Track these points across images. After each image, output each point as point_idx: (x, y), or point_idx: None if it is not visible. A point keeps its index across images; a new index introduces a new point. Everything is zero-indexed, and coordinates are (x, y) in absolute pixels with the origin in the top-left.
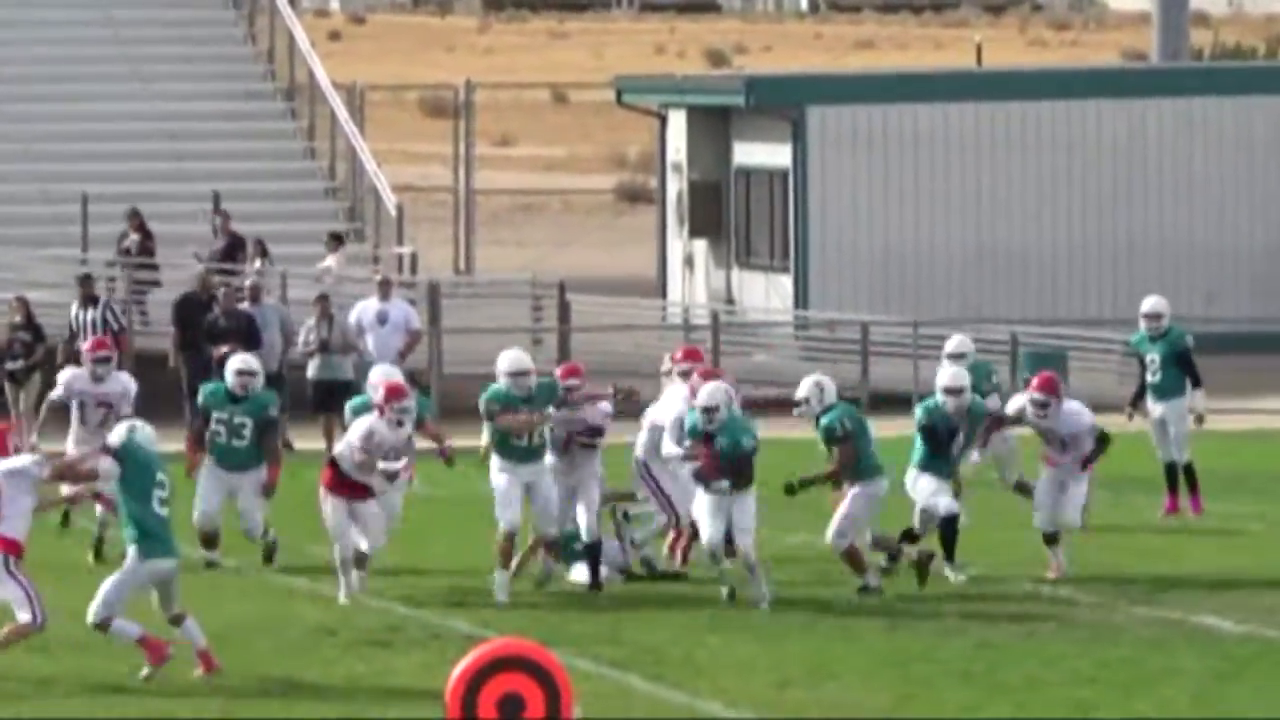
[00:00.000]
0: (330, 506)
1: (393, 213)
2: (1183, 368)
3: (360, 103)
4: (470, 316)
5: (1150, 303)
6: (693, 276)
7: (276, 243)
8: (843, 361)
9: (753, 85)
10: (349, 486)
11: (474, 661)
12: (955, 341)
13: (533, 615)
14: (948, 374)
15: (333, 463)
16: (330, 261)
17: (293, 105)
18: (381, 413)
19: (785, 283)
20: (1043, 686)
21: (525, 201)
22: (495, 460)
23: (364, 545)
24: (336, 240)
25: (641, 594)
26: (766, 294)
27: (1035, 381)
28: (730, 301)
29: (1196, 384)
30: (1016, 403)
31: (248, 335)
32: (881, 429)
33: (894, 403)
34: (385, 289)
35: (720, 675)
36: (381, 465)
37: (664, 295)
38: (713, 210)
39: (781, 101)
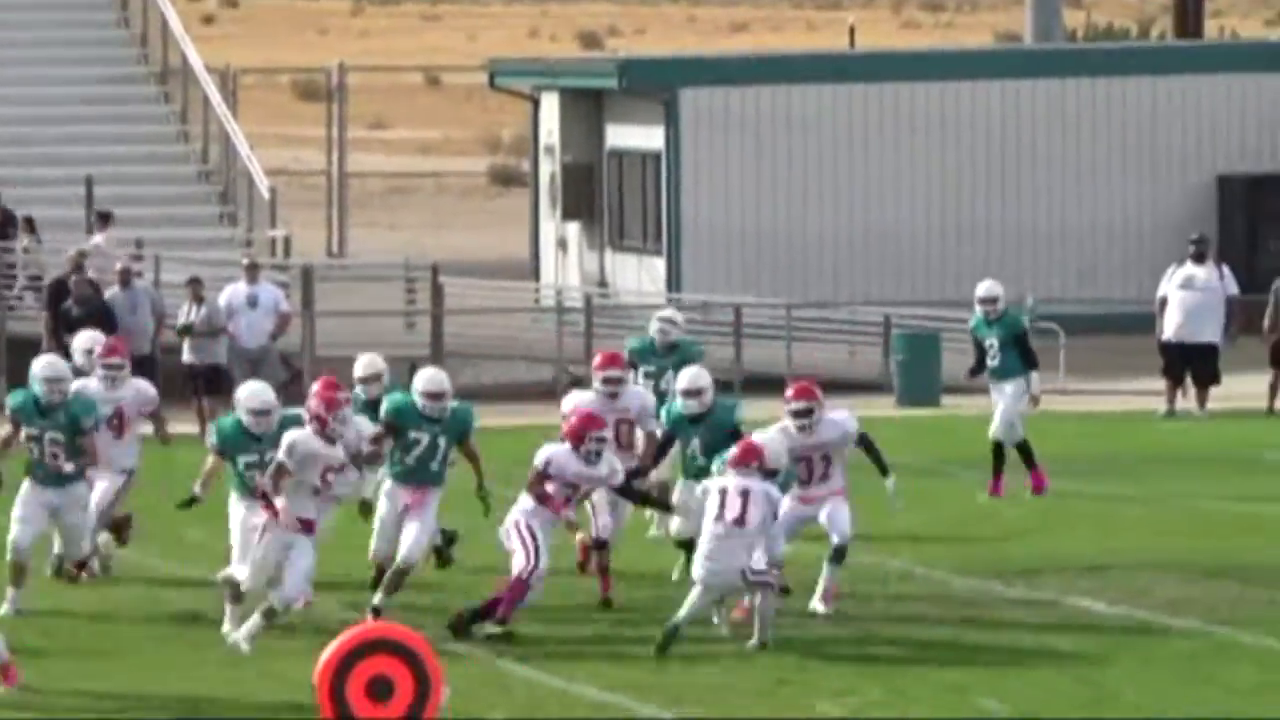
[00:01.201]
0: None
1: (266, 196)
2: (1019, 350)
3: (233, 86)
4: (343, 300)
5: (985, 287)
6: (565, 259)
7: (149, 226)
8: (716, 344)
9: (625, 68)
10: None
11: (342, 645)
12: None
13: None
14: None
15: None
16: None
17: (166, 89)
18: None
19: (658, 265)
20: (917, 668)
21: (398, 184)
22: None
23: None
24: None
25: None
26: (639, 276)
27: (793, 389)
28: (603, 284)
29: (1032, 366)
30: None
31: (102, 321)
32: (755, 411)
33: (767, 385)
34: (253, 272)
35: (595, 659)
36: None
37: (537, 278)
38: (585, 193)
39: (654, 84)
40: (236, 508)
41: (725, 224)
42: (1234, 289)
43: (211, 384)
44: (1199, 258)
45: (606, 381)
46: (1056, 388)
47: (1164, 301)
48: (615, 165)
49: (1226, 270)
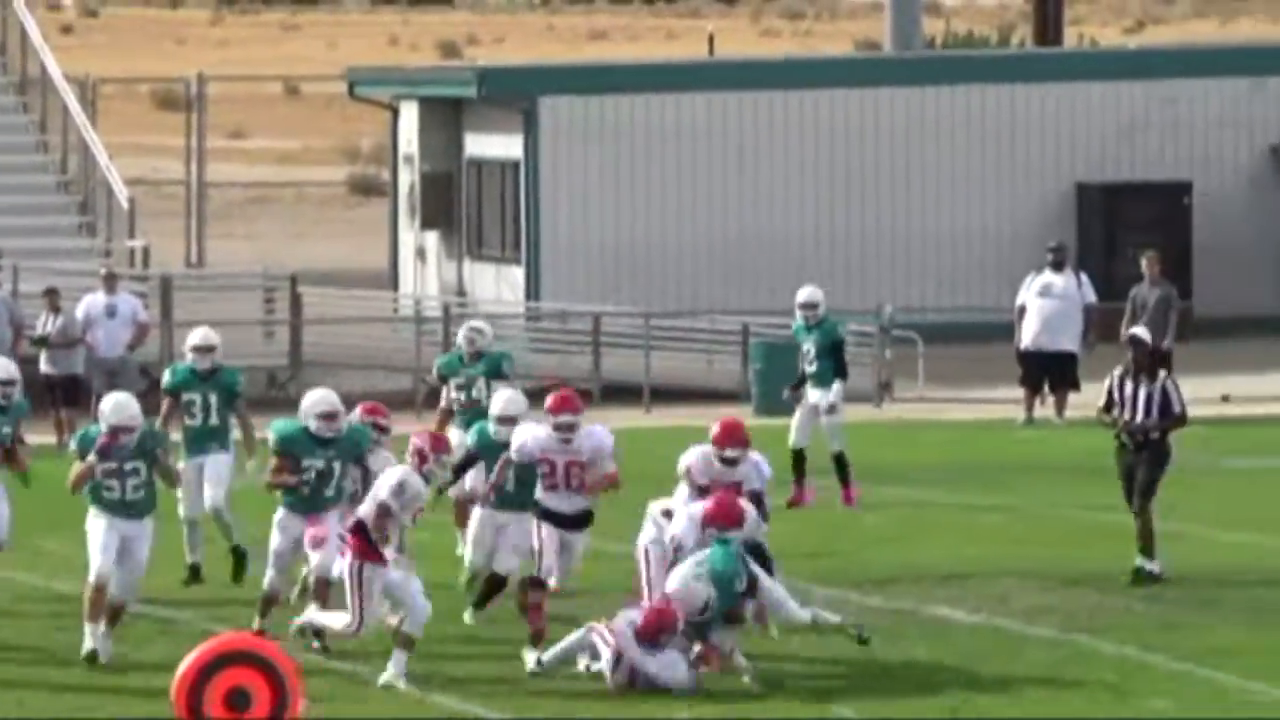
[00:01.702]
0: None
1: (125, 206)
2: (834, 358)
3: (92, 96)
4: (202, 310)
5: (805, 293)
6: (424, 268)
7: (7, 236)
8: (575, 353)
9: (484, 77)
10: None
11: (199, 657)
12: None
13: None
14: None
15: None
16: None
17: (24, 99)
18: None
19: (517, 274)
20: (775, 677)
21: (258, 194)
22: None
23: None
24: None
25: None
26: (498, 286)
27: (718, 430)
28: (462, 293)
29: (841, 376)
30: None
31: None
32: (612, 420)
33: (626, 393)
34: (110, 282)
35: (456, 668)
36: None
37: (396, 288)
38: (444, 202)
39: (513, 93)
40: (96, 520)
41: (584, 233)
42: (1092, 297)
43: (70, 394)
44: (1057, 266)
45: (558, 428)
46: (916, 395)
47: (1022, 309)
48: (474, 174)
49: (1085, 278)
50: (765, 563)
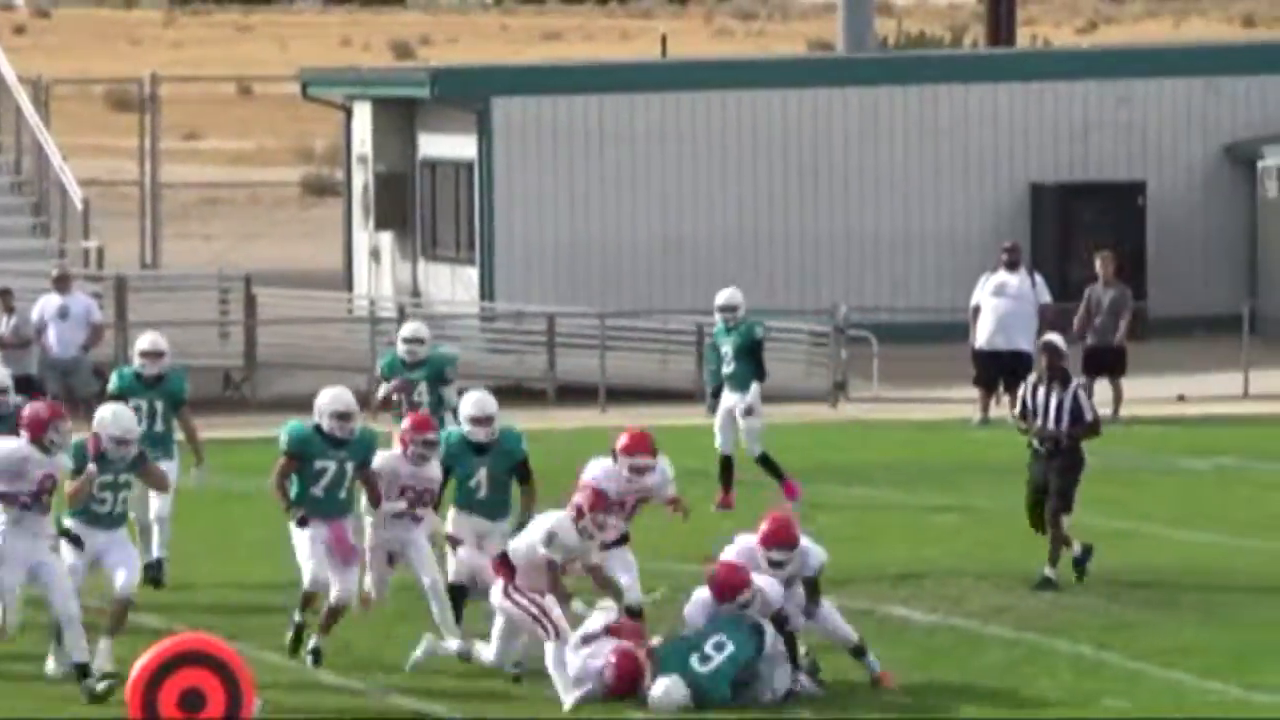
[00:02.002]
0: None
1: (79, 207)
2: (753, 360)
3: (46, 97)
4: (157, 310)
5: (725, 295)
6: (379, 269)
7: None
8: (529, 353)
9: (437, 77)
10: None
11: (154, 657)
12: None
13: (219, 615)
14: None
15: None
16: None
17: None
18: None
19: (471, 275)
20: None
21: (212, 195)
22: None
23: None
24: None
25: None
26: (452, 286)
27: (626, 440)
28: (416, 294)
29: (760, 378)
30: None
31: None
32: (568, 420)
33: (581, 394)
34: (64, 283)
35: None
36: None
37: (350, 288)
38: (398, 203)
39: (466, 93)
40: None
41: (539, 234)
42: (1046, 297)
43: (22, 395)
44: (1011, 265)
45: (633, 469)
46: (871, 396)
47: (977, 309)
48: (428, 175)
49: (1039, 278)
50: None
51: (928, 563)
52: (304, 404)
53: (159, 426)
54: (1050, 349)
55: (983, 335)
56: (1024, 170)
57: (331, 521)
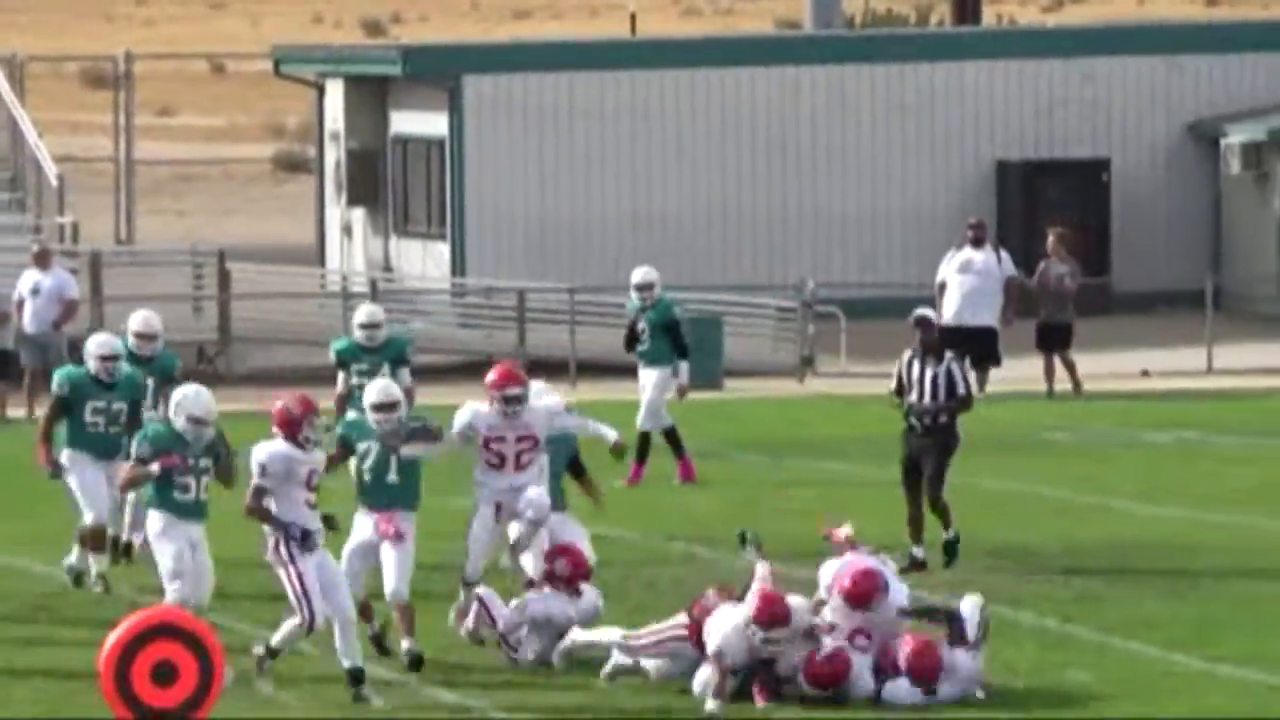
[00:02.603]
0: None
1: (54, 183)
2: (670, 338)
3: (20, 74)
4: (132, 285)
5: (640, 273)
6: (351, 245)
7: None
8: (500, 328)
9: (409, 55)
10: None
11: (126, 631)
12: None
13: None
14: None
15: None
16: None
17: None
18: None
19: (442, 250)
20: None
21: (186, 171)
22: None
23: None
24: None
25: None
26: (424, 262)
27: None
28: (388, 269)
29: (682, 356)
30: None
31: None
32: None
33: (551, 368)
34: (44, 259)
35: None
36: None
37: (323, 263)
38: (370, 179)
39: (437, 71)
40: (168, 528)
41: (509, 209)
42: (1012, 271)
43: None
44: (977, 242)
45: (507, 400)
46: (838, 370)
47: (943, 285)
48: (400, 152)
49: (1004, 254)
50: None
51: (894, 535)
52: (277, 378)
53: (151, 407)
54: (923, 323)
55: (949, 311)
56: (990, 147)
57: (379, 510)
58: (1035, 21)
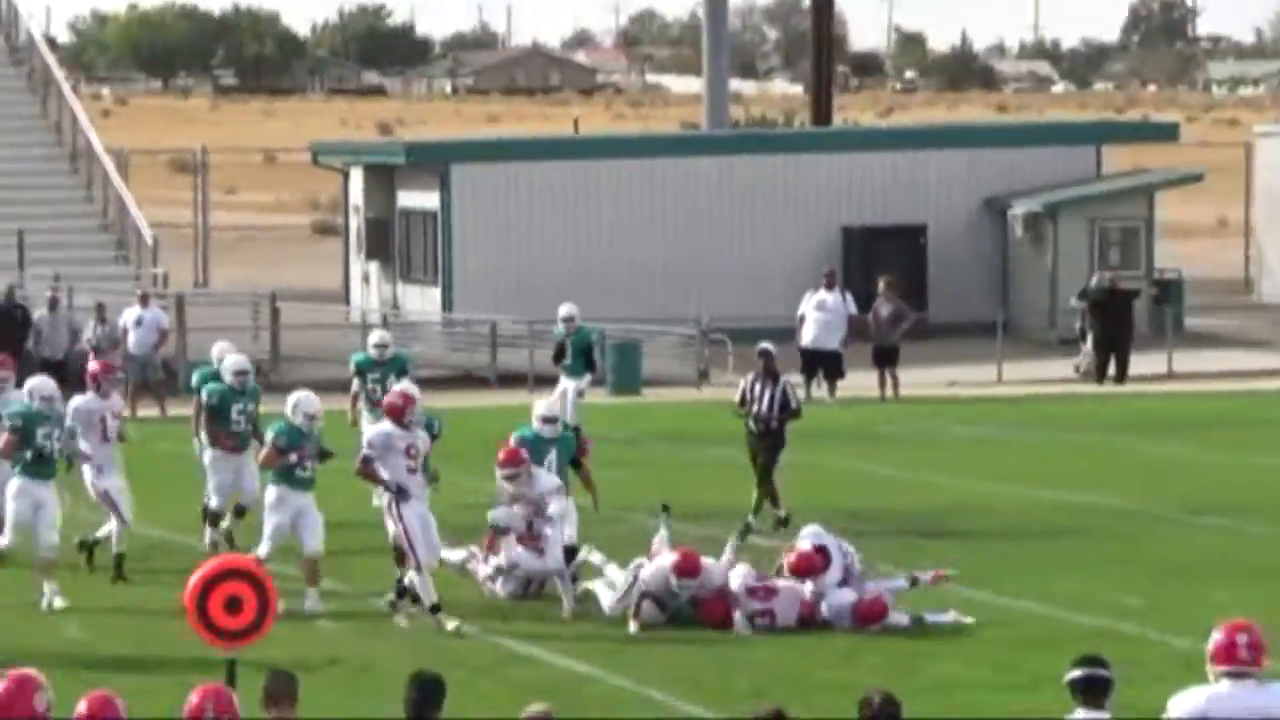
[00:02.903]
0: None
1: (150, 243)
2: (585, 357)
3: (126, 163)
4: (207, 318)
5: (565, 309)
6: (368, 289)
7: (65, 265)
8: (477, 350)
9: (411, 149)
10: None
11: (204, 574)
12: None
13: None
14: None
15: None
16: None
17: (75, 164)
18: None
19: (435, 293)
20: (614, 627)
21: (247, 235)
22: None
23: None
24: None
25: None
26: (422, 301)
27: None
28: (395, 307)
29: (590, 370)
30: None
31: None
32: (505, 400)
33: (515, 380)
34: (144, 299)
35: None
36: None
37: (348, 302)
38: (383, 240)
39: (432, 160)
40: (286, 496)
41: (485, 263)
42: (854, 309)
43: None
44: (829, 285)
45: (507, 479)
46: (726, 382)
47: (803, 317)
48: (404, 220)
49: (849, 295)
50: None
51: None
52: (314, 387)
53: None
54: (764, 354)
55: (806, 337)
56: (838, 217)
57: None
58: (873, 124)
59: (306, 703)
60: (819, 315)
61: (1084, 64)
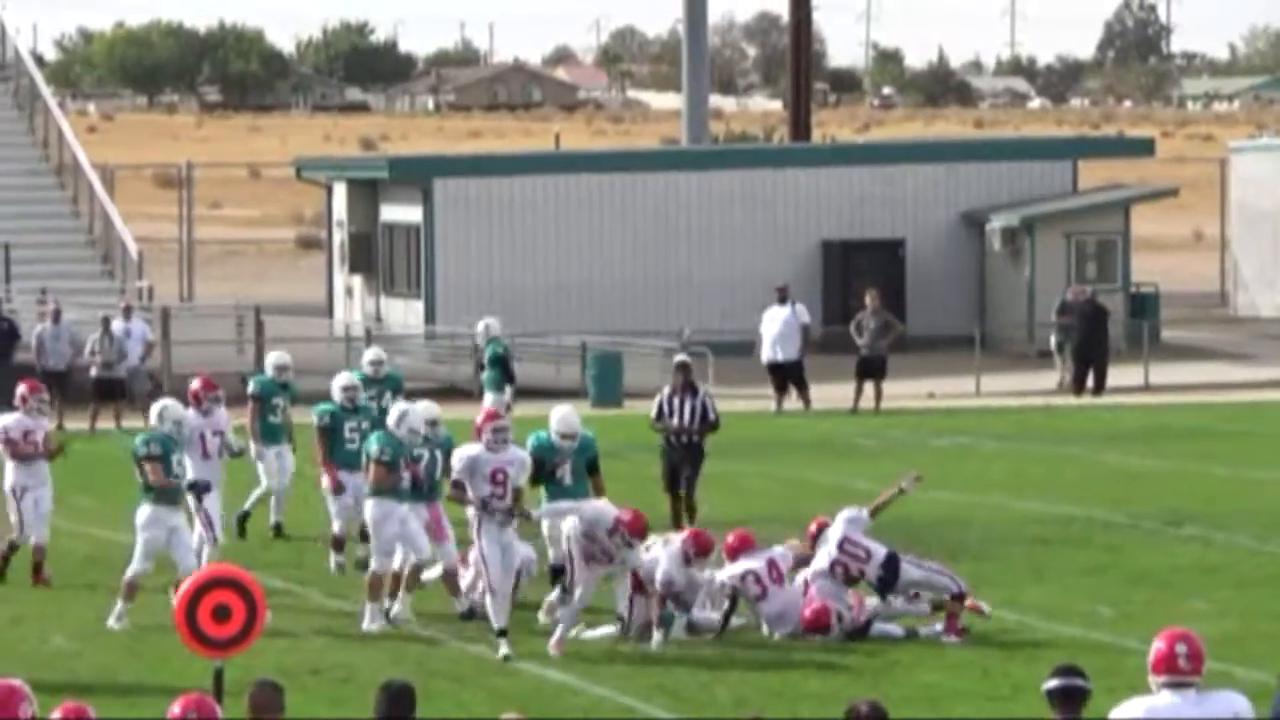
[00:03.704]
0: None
1: (135, 257)
2: (501, 368)
3: (111, 178)
4: (192, 331)
5: (482, 323)
6: (352, 302)
7: (52, 279)
8: (461, 362)
9: (393, 164)
10: None
11: (192, 583)
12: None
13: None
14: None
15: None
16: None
17: (62, 179)
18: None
19: (418, 306)
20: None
21: (231, 249)
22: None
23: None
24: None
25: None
26: (405, 314)
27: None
28: (379, 320)
29: (510, 381)
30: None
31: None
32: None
33: None
34: (128, 312)
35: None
36: None
37: (331, 315)
38: (366, 254)
39: (414, 175)
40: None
41: (467, 276)
42: (806, 319)
43: (114, 393)
44: (782, 300)
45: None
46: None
47: (762, 332)
48: (387, 234)
49: (800, 307)
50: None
51: (746, 512)
52: (298, 400)
53: (280, 419)
54: (683, 367)
55: (766, 352)
56: (817, 231)
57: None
58: (850, 139)
59: (290, 713)
60: (773, 329)
61: (1060, 80)
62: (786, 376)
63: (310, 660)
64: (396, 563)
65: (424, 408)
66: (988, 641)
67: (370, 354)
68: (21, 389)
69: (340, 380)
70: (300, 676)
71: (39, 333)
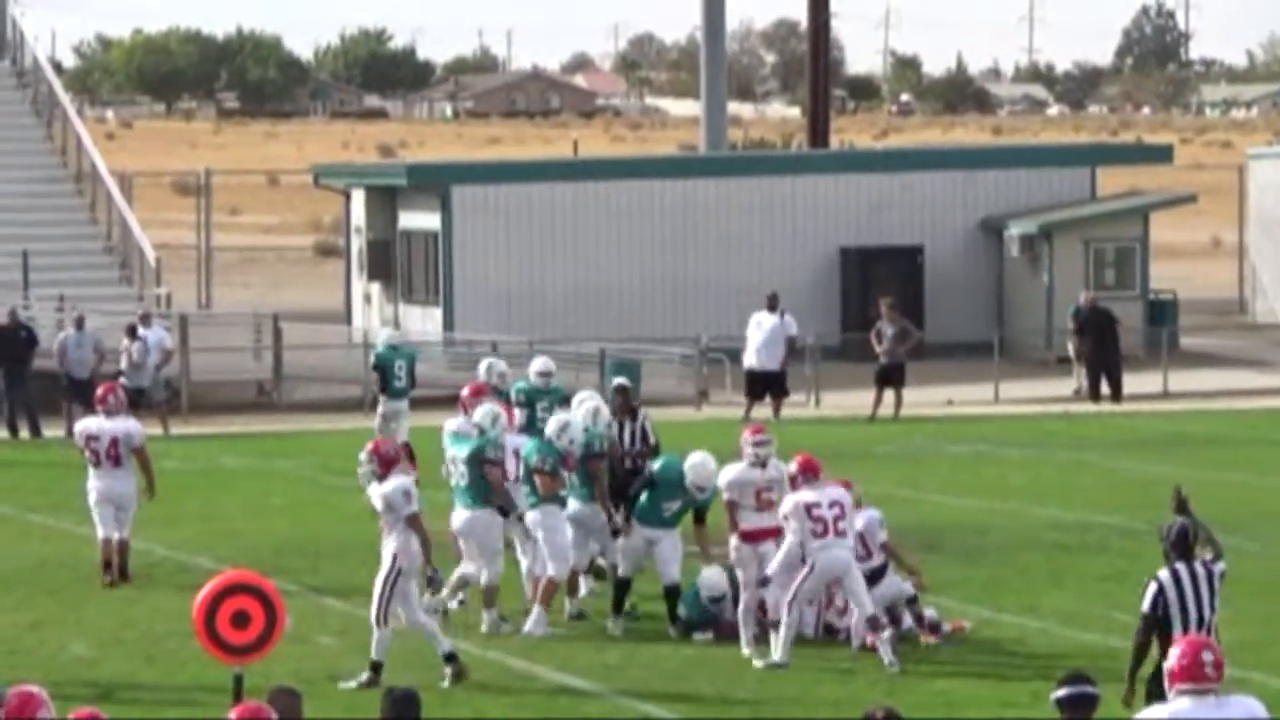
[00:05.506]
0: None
1: (153, 264)
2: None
3: (129, 184)
4: (210, 338)
5: (389, 333)
6: (370, 309)
7: (70, 286)
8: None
9: (412, 170)
10: None
11: (212, 589)
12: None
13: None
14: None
15: None
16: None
17: (80, 186)
18: None
19: (437, 313)
20: (570, 641)
21: (249, 256)
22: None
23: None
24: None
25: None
26: (423, 321)
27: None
28: (397, 327)
29: (413, 386)
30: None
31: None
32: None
33: None
34: (146, 319)
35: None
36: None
37: (349, 322)
38: (384, 261)
39: (433, 182)
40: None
41: (485, 283)
42: (794, 330)
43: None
44: (770, 307)
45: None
46: (725, 400)
47: (746, 340)
48: (405, 241)
49: (789, 317)
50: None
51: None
52: (316, 406)
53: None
54: (621, 390)
55: (750, 359)
56: (835, 238)
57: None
58: (869, 146)
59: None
60: (759, 336)
61: (1078, 87)
62: (767, 386)
63: (328, 666)
64: (483, 577)
65: (569, 423)
66: (1005, 648)
67: (538, 364)
68: (99, 391)
69: (538, 364)
70: (318, 683)
71: (61, 340)
